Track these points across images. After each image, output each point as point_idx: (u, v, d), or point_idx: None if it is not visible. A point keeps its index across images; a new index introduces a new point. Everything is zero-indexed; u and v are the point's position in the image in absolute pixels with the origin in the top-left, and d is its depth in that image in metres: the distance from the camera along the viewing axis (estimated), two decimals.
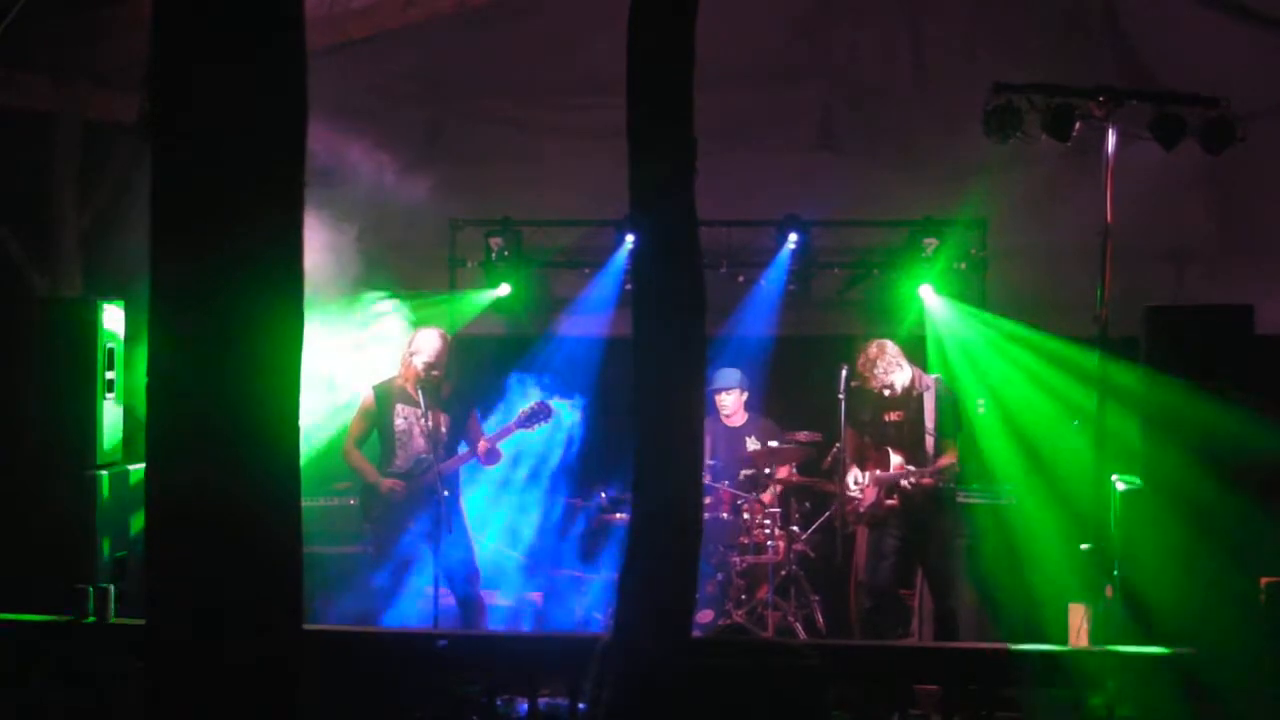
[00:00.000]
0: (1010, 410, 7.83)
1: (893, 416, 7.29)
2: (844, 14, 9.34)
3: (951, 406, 7.34)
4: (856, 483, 7.33)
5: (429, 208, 9.14)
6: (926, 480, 7.12)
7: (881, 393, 7.21)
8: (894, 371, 7.19)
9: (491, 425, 7.42)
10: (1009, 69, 7.17)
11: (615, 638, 4.24)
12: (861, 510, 7.28)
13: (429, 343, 7.04)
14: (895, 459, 7.22)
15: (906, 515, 7.21)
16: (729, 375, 8.12)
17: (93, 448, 6.43)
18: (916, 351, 7.81)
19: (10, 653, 5.48)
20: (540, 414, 7.12)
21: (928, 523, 7.22)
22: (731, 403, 8.13)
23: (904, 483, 7.14)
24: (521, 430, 7.15)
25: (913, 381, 7.27)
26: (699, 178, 4.23)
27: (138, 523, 6.53)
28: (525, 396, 7.56)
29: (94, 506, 6.36)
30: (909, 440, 7.23)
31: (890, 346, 7.26)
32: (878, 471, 7.26)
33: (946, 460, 7.18)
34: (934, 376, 7.44)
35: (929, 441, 7.17)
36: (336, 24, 8.77)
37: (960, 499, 7.56)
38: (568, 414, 7.83)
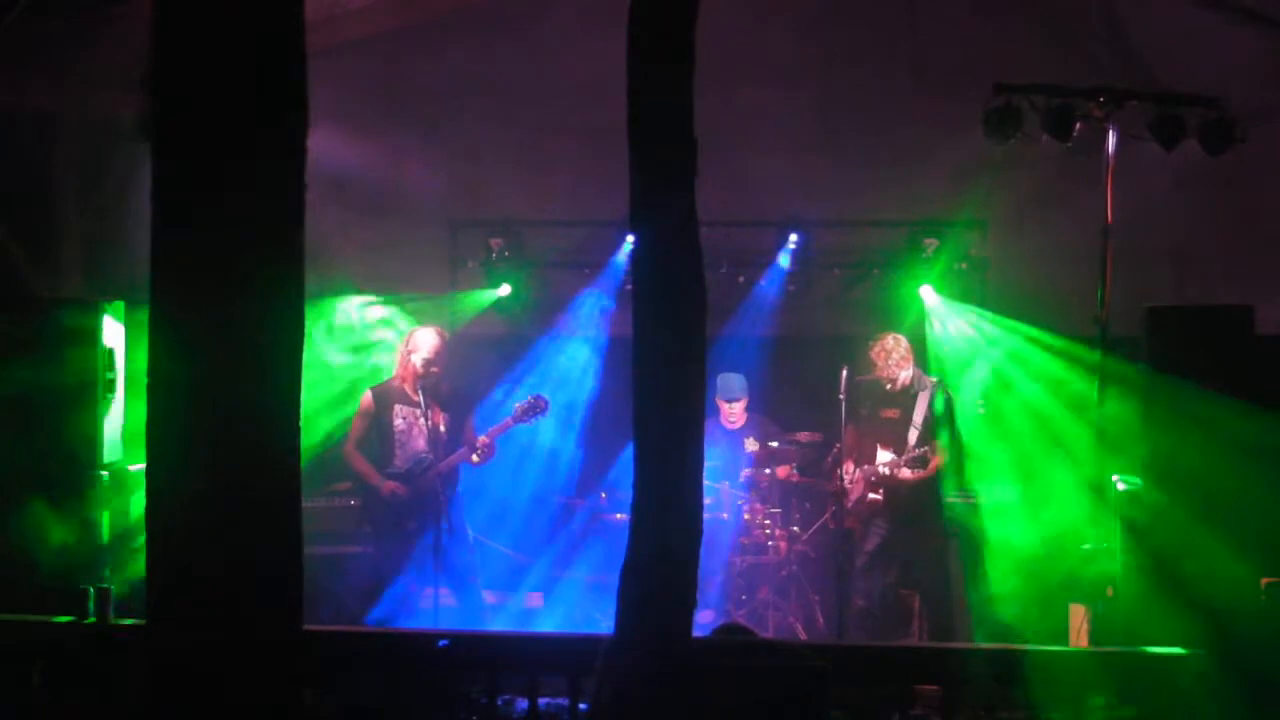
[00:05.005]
0: (1011, 410, 7.83)
1: (889, 413, 7.38)
2: (844, 14, 9.34)
3: (946, 410, 7.38)
4: (846, 474, 7.36)
5: (429, 208, 9.14)
6: (905, 473, 7.15)
7: (885, 385, 7.28)
8: (904, 367, 7.35)
9: (489, 422, 7.41)
10: (1009, 69, 7.17)
11: (616, 638, 4.24)
12: (849, 505, 7.31)
13: (427, 340, 7.03)
14: (883, 455, 7.29)
15: (892, 511, 7.30)
16: (736, 384, 8.08)
17: (93, 448, 6.41)
18: (917, 352, 7.83)
19: (11, 653, 5.47)
20: (536, 408, 7.10)
21: (913, 520, 7.27)
22: (738, 410, 8.11)
23: (883, 470, 7.24)
24: (519, 425, 7.14)
25: (913, 380, 7.39)
26: (699, 178, 4.23)
27: (139, 523, 6.52)
28: (523, 394, 7.55)
29: (95, 507, 6.35)
30: (901, 439, 7.29)
31: (905, 342, 7.45)
32: (865, 466, 7.31)
33: (921, 450, 7.22)
34: (933, 380, 7.51)
35: (913, 436, 7.23)
36: (336, 24, 8.76)
37: (956, 499, 7.57)
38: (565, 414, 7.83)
